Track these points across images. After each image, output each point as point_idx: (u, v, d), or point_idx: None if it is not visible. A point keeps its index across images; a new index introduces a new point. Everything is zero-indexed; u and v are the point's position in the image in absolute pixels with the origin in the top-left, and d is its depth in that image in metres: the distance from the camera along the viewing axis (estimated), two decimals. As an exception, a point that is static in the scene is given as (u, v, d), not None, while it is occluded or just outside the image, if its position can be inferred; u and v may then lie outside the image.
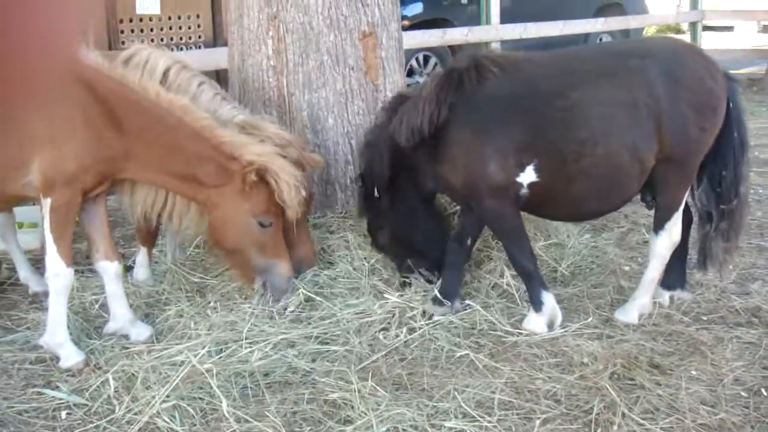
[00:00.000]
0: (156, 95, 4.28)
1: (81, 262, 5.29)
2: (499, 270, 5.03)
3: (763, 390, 3.89)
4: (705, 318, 4.66)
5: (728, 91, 4.43)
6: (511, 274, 4.90)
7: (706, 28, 15.53)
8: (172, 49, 7.27)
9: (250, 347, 4.21)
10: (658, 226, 4.51)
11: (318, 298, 4.71)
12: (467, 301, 4.75)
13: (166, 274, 5.19)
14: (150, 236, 5.22)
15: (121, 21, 7.72)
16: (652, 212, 4.68)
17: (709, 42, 15.05)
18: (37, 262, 5.36)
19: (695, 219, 4.80)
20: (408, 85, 8.21)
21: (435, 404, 3.75)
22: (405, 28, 8.18)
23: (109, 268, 4.42)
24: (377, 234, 4.98)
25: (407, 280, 4.93)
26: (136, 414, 3.69)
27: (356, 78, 5.48)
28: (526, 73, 4.40)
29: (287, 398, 3.86)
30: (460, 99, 4.31)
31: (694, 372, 4.02)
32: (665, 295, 4.79)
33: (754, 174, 7.51)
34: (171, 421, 3.62)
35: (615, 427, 3.55)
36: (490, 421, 3.60)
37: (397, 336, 4.39)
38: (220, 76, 6.98)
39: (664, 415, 3.64)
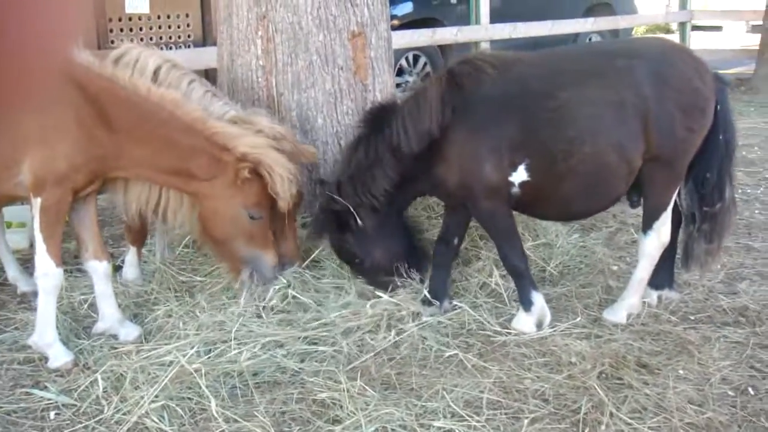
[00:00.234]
0: (147, 91, 4.28)
1: (69, 261, 5.28)
2: (487, 269, 5.05)
3: (750, 389, 3.91)
4: (693, 317, 4.68)
5: (717, 92, 4.44)
6: (500, 273, 4.92)
7: (695, 28, 15.56)
8: (161, 48, 7.26)
9: (239, 347, 4.21)
10: (647, 226, 4.53)
11: (307, 300, 4.71)
12: (455, 302, 4.76)
13: (155, 274, 5.19)
14: (139, 235, 5.21)
15: (111, 20, 7.69)
16: (640, 212, 4.69)
17: (698, 42, 15.10)
18: (26, 262, 5.36)
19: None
20: (397, 85, 8.22)
21: (424, 404, 3.76)
22: (395, 28, 8.20)
23: (98, 268, 4.42)
24: (357, 260, 4.84)
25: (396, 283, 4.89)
26: (124, 414, 3.68)
27: (345, 78, 5.48)
28: (517, 73, 4.42)
29: (276, 398, 3.86)
30: (459, 100, 4.33)
31: (681, 371, 4.04)
32: (653, 295, 4.82)
33: (741, 174, 7.56)
34: (160, 421, 3.62)
35: (603, 427, 3.56)
36: (478, 421, 3.61)
37: (385, 338, 4.39)
38: (209, 76, 6.96)
39: (652, 415, 3.66)
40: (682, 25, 14.81)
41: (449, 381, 3.97)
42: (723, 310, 4.75)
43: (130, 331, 4.48)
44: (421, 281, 4.87)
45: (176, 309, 4.69)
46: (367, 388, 3.85)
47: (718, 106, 4.44)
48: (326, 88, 5.45)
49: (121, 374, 3.97)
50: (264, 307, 4.62)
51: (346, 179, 4.57)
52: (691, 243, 4.66)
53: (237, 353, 4.16)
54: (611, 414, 3.63)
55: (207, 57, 7.25)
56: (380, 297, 4.69)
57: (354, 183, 4.54)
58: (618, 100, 4.25)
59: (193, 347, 4.16)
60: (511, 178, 4.32)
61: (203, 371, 3.92)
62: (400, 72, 10.50)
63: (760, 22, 13.77)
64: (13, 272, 5.15)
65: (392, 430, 3.57)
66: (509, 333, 4.48)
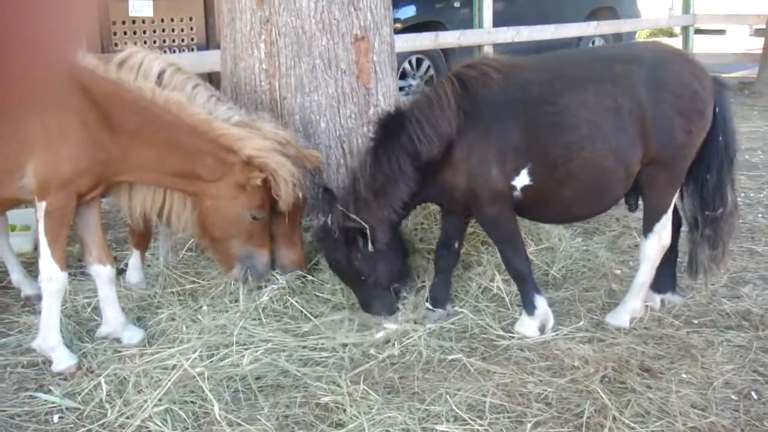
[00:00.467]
0: (151, 94, 4.29)
1: (73, 264, 5.29)
2: (489, 273, 5.05)
3: (753, 393, 3.91)
4: (696, 321, 4.68)
5: (715, 95, 4.46)
6: (502, 278, 4.92)
7: (699, 31, 15.59)
8: (164, 52, 7.27)
9: (242, 351, 4.21)
10: (647, 228, 4.54)
11: (312, 318, 4.65)
12: (456, 307, 4.77)
13: (159, 278, 5.19)
14: (143, 239, 5.22)
15: (114, 23, 7.70)
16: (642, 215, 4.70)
17: (701, 45, 15.13)
18: (30, 265, 5.36)
19: (684, 226, 4.83)
20: (400, 88, 8.22)
21: (427, 407, 3.76)
22: (397, 31, 8.19)
23: (102, 272, 4.42)
24: (363, 278, 4.67)
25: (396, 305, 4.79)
26: (128, 418, 3.69)
27: (348, 82, 5.49)
28: (520, 78, 4.42)
29: (279, 402, 3.87)
30: (468, 104, 4.33)
31: (684, 375, 4.04)
32: (656, 299, 4.83)
33: (744, 177, 7.57)
34: (163, 424, 3.62)
35: (606, 431, 3.56)
36: (481, 425, 3.61)
37: (388, 349, 4.37)
38: (212, 79, 6.98)
39: (655, 419, 3.66)
40: (685, 29, 14.80)
41: (452, 385, 3.97)
42: (726, 314, 4.75)
43: (133, 335, 4.49)
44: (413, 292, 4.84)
45: (179, 312, 4.69)
46: (370, 391, 3.86)
47: (717, 109, 4.47)
48: (329, 92, 5.45)
49: (125, 378, 3.98)
50: (264, 308, 4.63)
51: (372, 195, 4.39)
52: (695, 249, 4.67)
53: (240, 357, 4.16)
54: (614, 418, 3.63)
55: (210, 60, 7.26)
56: (387, 327, 4.58)
57: (378, 198, 4.39)
58: (616, 106, 4.27)
59: (196, 351, 4.17)
60: (513, 183, 4.33)
61: (206, 375, 3.93)
62: (403, 75, 10.51)
63: (764, 26, 13.78)
64: (17, 275, 5.15)
65: (395, 433, 3.57)
66: (512, 337, 4.48)
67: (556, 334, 4.47)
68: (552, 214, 4.74)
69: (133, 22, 7.84)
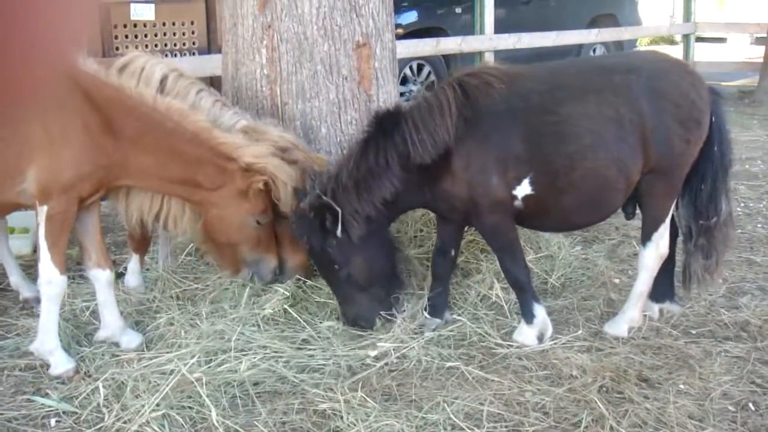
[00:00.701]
0: (153, 101, 4.30)
1: (72, 268, 5.29)
2: (488, 281, 5.05)
3: (750, 404, 3.91)
4: (694, 332, 4.68)
5: (712, 104, 4.48)
6: (501, 286, 4.92)
7: (699, 39, 15.60)
8: (166, 56, 7.28)
9: (240, 357, 4.21)
10: (646, 237, 4.56)
11: (310, 330, 4.60)
12: (455, 315, 4.76)
13: (158, 282, 5.19)
14: (142, 243, 5.23)
15: (116, 26, 7.71)
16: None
17: (701, 54, 15.14)
18: (28, 268, 5.36)
19: (680, 236, 4.83)
20: (401, 94, 8.21)
21: (424, 416, 3.76)
22: (399, 37, 8.21)
23: (100, 276, 4.42)
24: (336, 267, 4.56)
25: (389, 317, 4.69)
26: (125, 422, 3.68)
27: (349, 88, 5.49)
28: (521, 87, 4.42)
29: (277, 408, 3.87)
30: (469, 112, 4.33)
31: (682, 386, 4.04)
32: (654, 308, 4.83)
33: (744, 187, 7.57)
34: (160, 430, 3.62)
35: (603, 441, 3.57)
36: (478, 433, 3.62)
37: (386, 357, 4.37)
38: (213, 83, 6.98)
39: (652, 429, 3.66)
40: (686, 37, 14.83)
41: (450, 393, 3.97)
42: (724, 325, 4.75)
43: (131, 339, 4.49)
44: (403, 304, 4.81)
45: (178, 317, 4.69)
46: (367, 399, 3.85)
47: (713, 118, 4.49)
48: (330, 98, 5.46)
49: (122, 382, 3.98)
50: (264, 317, 4.63)
51: (352, 184, 4.37)
52: (689, 259, 4.68)
53: (237, 362, 4.16)
54: (611, 428, 3.63)
55: (212, 65, 7.26)
56: (382, 346, 4.46)
57: (358, 188, 4.38)
58: (617, 116, 4.29)
59: (194, 356, 4.16)
60: (515, 192, 4.33)
61: (204, 380, 3.92)
62: (404, 81, 10.52)
63: (764, 35, 13.82)
64: (15, 278, 5.16)
65: (392, 441, 3.57)
66: (511, 345, 4.48)
67: (555, 343, 4.47)
68: (551, 223, 4.75)
69: (135, 25, 7.84)
